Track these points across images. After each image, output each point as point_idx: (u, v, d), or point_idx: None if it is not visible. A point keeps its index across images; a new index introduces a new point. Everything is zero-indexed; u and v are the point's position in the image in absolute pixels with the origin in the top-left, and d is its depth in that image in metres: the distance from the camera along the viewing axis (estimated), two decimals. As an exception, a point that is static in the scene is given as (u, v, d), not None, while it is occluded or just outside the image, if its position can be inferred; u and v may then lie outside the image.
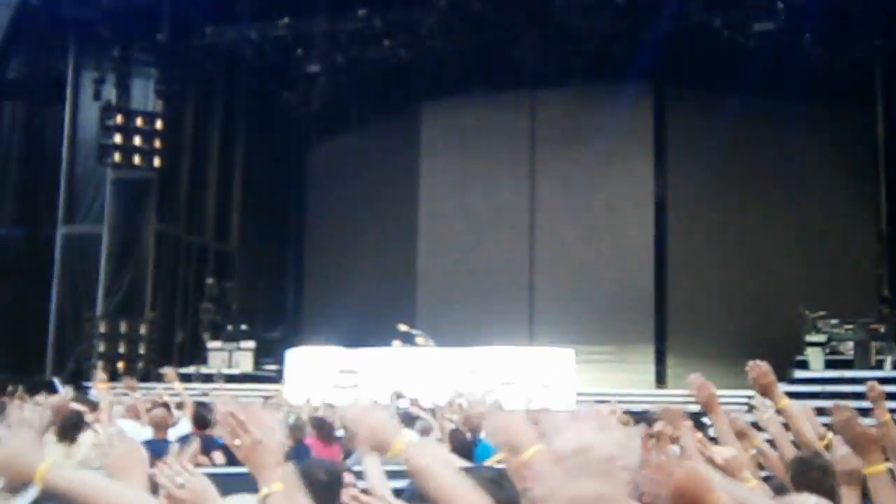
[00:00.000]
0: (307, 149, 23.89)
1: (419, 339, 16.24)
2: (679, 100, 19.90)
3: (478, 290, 19.72)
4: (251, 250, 22.24)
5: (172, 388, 10.14)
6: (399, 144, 21.71)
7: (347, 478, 3.08)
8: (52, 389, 10.58)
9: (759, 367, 3.84)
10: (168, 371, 10.71)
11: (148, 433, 7.23)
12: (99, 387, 8.80)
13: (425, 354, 15.83)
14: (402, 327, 16.32)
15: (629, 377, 18.08)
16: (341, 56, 18.82)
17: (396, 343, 16.02)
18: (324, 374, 15.53)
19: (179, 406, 8.78)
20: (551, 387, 15.31)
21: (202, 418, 7.55)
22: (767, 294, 18.71)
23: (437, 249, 20.94)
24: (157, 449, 2.59)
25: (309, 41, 18.78)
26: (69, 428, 6.87)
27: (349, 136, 22.56)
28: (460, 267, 20.39)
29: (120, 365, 18.08)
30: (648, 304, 19.35)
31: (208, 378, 17.48)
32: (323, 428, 7.90)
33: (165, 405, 8.33)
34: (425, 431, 9.26)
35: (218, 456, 6.60)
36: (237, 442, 2.09)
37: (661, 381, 18.59)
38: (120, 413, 8.91)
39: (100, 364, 15.80)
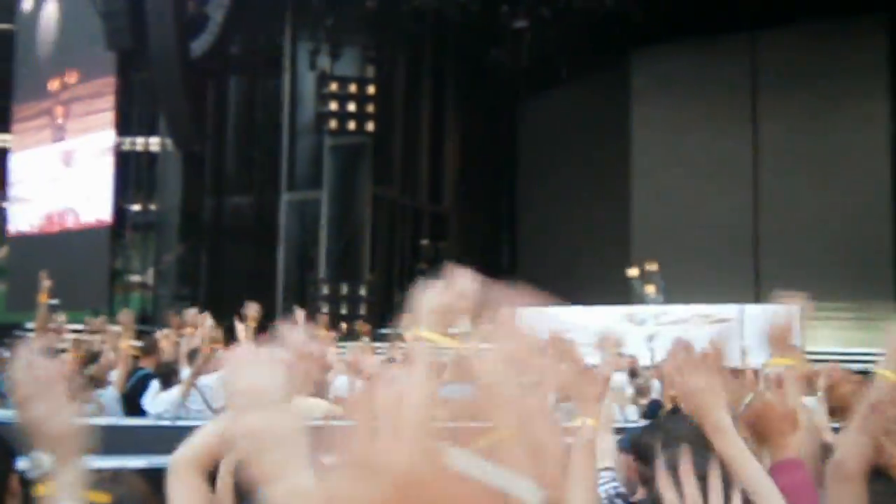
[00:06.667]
0: (517, 106, 23.62)
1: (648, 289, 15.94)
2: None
3: (698, 245, 18.89)
4: (465, 210, 22.34)
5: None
6: (610, 96, 21.06)
7: None
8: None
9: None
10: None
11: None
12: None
13: (645, 311, 15.41)
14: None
15: (868, 336, 16.76)
16: (547, 10, 18.39)
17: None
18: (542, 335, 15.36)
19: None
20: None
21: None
22: None
23: (652, 203, 20.23)
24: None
25: (515, -3, 18.47)
26: None
27: (559, 91, 22.07)
28: (677, 222, 19.60)
29: (343, 326, 18.63)
30: (887, 258, 17.89)
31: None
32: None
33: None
34: (641, 391, 8.92)
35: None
36: (563, 366, 2.09)
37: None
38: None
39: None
